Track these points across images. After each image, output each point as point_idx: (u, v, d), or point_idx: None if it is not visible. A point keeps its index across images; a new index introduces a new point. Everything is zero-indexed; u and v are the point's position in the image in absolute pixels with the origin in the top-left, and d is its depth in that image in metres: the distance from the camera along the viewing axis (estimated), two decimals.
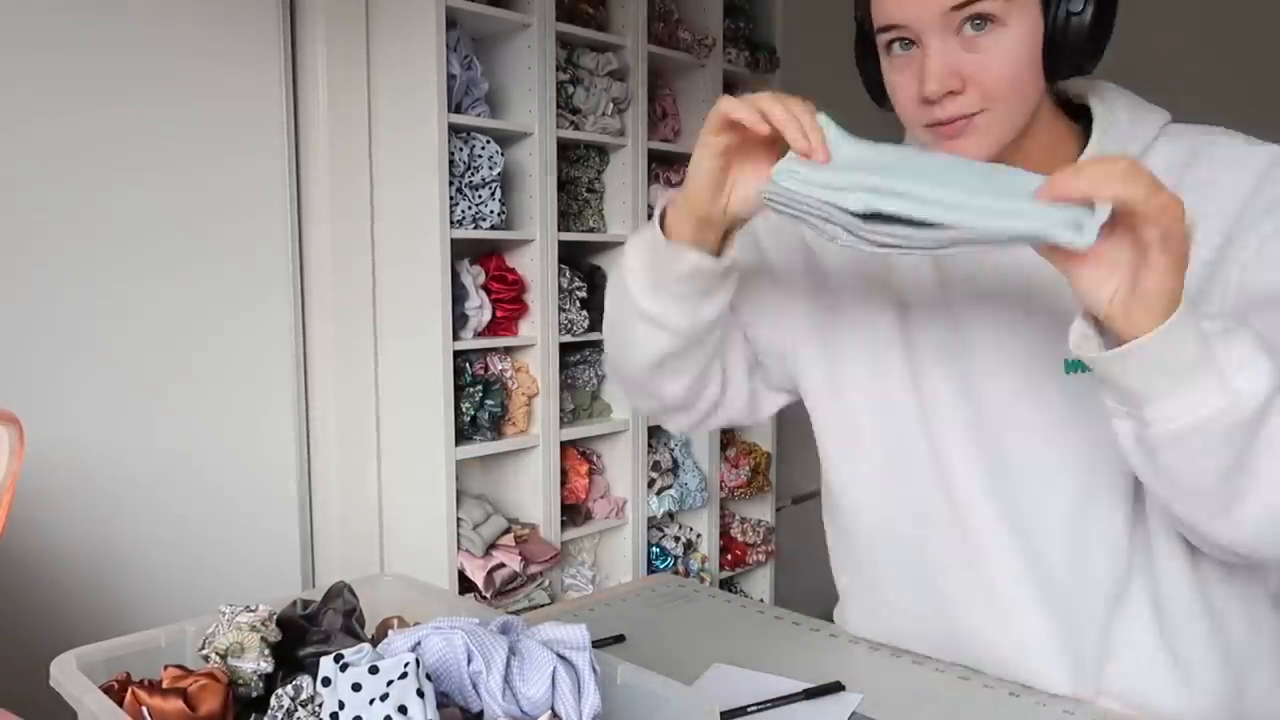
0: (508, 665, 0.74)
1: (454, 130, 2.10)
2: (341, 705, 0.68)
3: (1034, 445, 0.95)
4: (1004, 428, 0.96)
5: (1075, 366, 0.91)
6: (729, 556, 2.91)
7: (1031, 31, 0.84)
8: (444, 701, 0.74)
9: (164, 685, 0.77)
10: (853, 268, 1.05)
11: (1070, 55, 0.85)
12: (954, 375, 0.98)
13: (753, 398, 1.14)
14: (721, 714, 0.96)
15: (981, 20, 0.82)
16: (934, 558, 1.03)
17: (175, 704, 0.75)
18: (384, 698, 0.67)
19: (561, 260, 2.34)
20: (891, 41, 0.87)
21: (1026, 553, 0.97)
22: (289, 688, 0.73)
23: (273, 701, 0.73)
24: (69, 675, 0.80)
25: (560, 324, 2.34)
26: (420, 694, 0.67)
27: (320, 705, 0.69)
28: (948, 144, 0.88)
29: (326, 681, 0.69)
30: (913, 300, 1.01)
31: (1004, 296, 0.95)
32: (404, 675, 0.67)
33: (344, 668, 0.69)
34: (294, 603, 0.88)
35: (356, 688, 0.68)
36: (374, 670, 0.68)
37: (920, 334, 1.01)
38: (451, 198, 2.10)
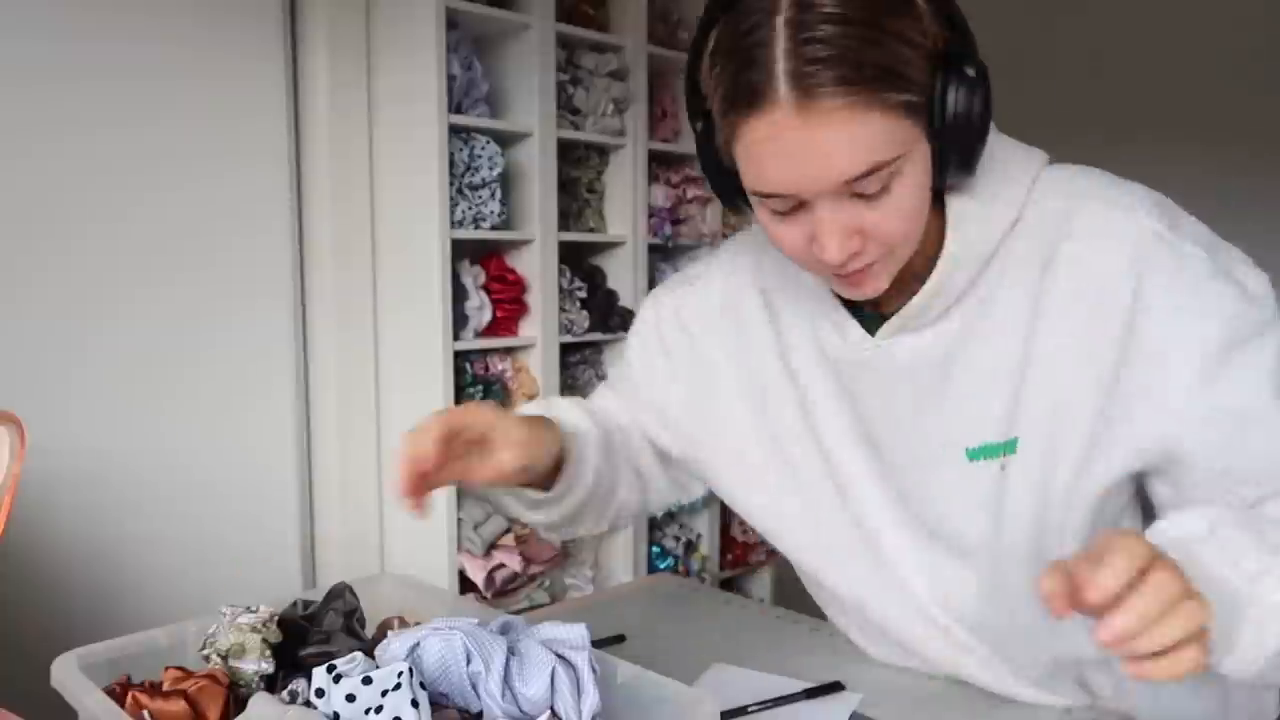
0: (507, 665, 0.74)
1: (454, 131, 2.10)
2: (336, 716, 0.68)
3: (952, 520, 0.92)
4: (922, 504, 0.94)
5: (978, 455, 0.88)
6: (729, 556, 2.91)
7: (923, 163, 0.77)
8: (443, 702, 0.74)
9: (165, 687, 0.77)
10: (748, 374, 1.02)
11: (962, 162, 0.78)
12: (866, 458, 0.96)
13: (675, 485, 1.14)
14: (721, 714, 0.96)
15: (877, 177, 0.75)
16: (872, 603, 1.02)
17: (177, 705, 0.75)
18: (379, 709, 0.67)
19: (561, 260, 2.34)
20: (770, 199, 0.78)
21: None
22: (284, 694, 0.73)
23: None
24: (70, 676, 0.80)
25: (560, 324, 2.34)
26: (415, 704, 0.67)
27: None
28: (845, 290, 0.85)
29: (320, 692, 0.69)
30: (815, 394, 0.98)
31: (897, 387, 0.92)
32: (398, 686, 0.68)
33: (337, 679, 0.69)
34: (294, 603, 0.88)
35: (350, 699, 0.68)
36: (368, 681, 0.68)
37: (825, 423, 0.97)
38: (452, 198, 2.10)
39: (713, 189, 0.86)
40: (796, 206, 0.78)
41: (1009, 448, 0.87)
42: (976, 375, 0.87)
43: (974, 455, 0.88)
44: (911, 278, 0.85)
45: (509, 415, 0.89)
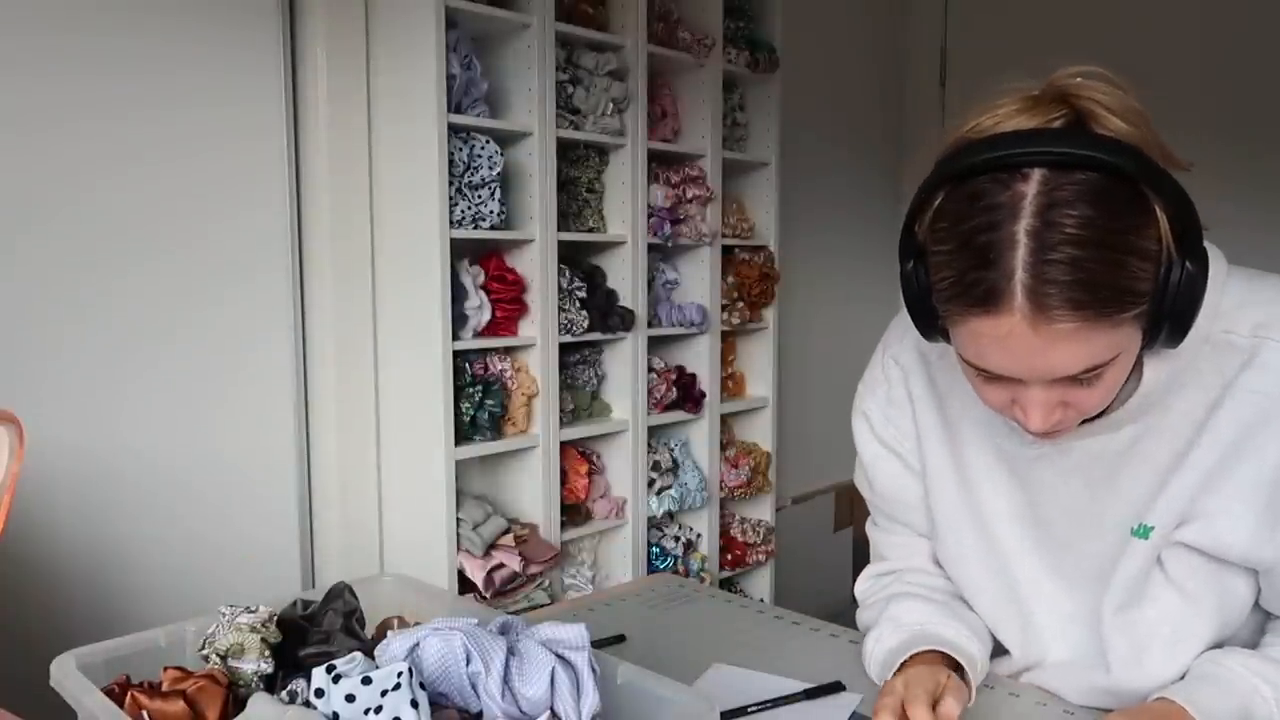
0: (506, 665, 0.74)
1: (454, 130, 2.10)
2: (336, 716, 0.68)
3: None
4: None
5: (1139, 532, 0.95)
6: (729, 556, 2.91)
7: (1136, 344, 0.82)
8: (443, 702, 0.74)
9: (164, 688, 0.77)
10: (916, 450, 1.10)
11: (1174, 335, 0.82)
12: (1023, 535, 1.03)
13: None
14: (721, 714, 0.96)
15: (1094, 372, 0.80)
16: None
17: (176, 705, 0.75)
18: (378, 709, 0.67)
19: (561, 260, 2.34)
20: (982, 371, 0.84)
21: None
22: (283, 694, 0.73)
23: None
24: (69, 675, 0.80)
25: (560, 324, 2.34)
26: (414, 704, 0.67)
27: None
28: (1034, 438, 0.89)
29: (320, 693, 0.69)
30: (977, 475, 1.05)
31: (1070, 478, 0.98)
32: (397, 686, 0.68)
33: (337, 679, 0.69)
34: (294, 603, 0.88)
35: (350, 699, 0.68)
36: (367, 681, 0.68)
37: (988, 503, 1.04)
38: (451, 198, 2.10)
39: (911, 317, 0.88)
40: (1006, 377, 0.82)
41: (1142, 532, 0.94)
42: (1144, 470, 0.94)
43: (1136, 533, 0.95)
44: None
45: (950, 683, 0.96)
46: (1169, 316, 0.79)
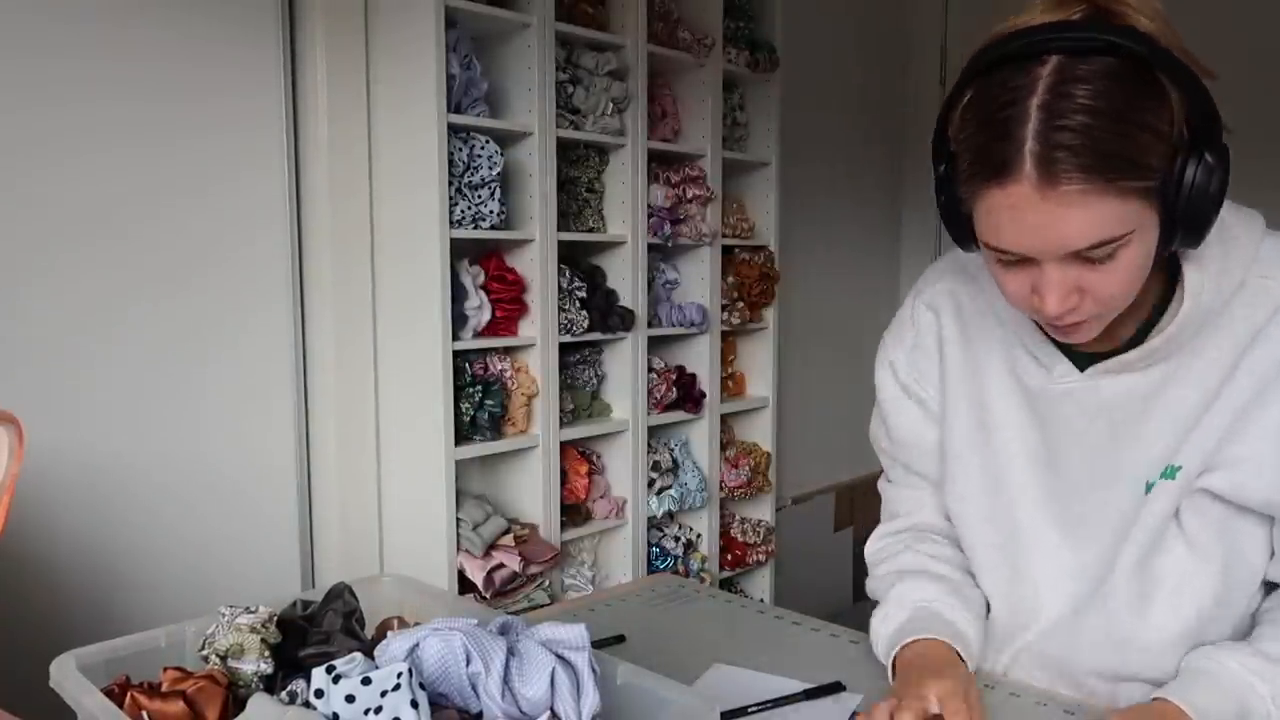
0: (506, 666, 0.74)
1: (453, 130, 2.10)
2: (335, 717, 0.68)
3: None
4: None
5: (1150, 488, 0.96)
6: (729, 556, 2.91)
7: (1153, 233, 0.83)
8: (443, 703, 0.74)
9: (164, 688, 0.77)
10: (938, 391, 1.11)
11: (1190, 237, 0.84)
12: (1039, 483, 1.04)
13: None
14: (721, 714, 0.96)
15: (1106, 249, 0.81)
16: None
17: (176, 706, 0.75)
18: (378, 710, 0.67)
19: (561, 260, 2.34)
20: (1000, 253, 0.86)
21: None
22: (283, 694, 0.73)
23: None
24: (68, 676, 0.80)
25: (560, 324, 2.34)
26: (414, 705, 0.67)
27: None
28: (1057, 335, 0.92)
29: (319, 693, 0.69)
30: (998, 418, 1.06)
31: (1096, 419, 0.99)
32: (397, 687, 0.67)
33: (336, 679, 0.69)
34: (294, 603, 0.88)
35: (350, 699, 0.68)
36: (367, 681, 0.68)
37: (1005, 447, 1.05)
38: (451, 198, 2.10)
39: (946, 227, 0.93)
40: (1024, 260, 0.84)
41: (1170, 473, 0.94)
42: (1171, 415, 0.94)
43: (1148, 488, 0.96)
44: (1119, 321, 0.91)
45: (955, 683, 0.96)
46: (1185, 207, 0.80)
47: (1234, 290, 0.90)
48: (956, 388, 1.07)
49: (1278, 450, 0.90)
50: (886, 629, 1.07)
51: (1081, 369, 0.98)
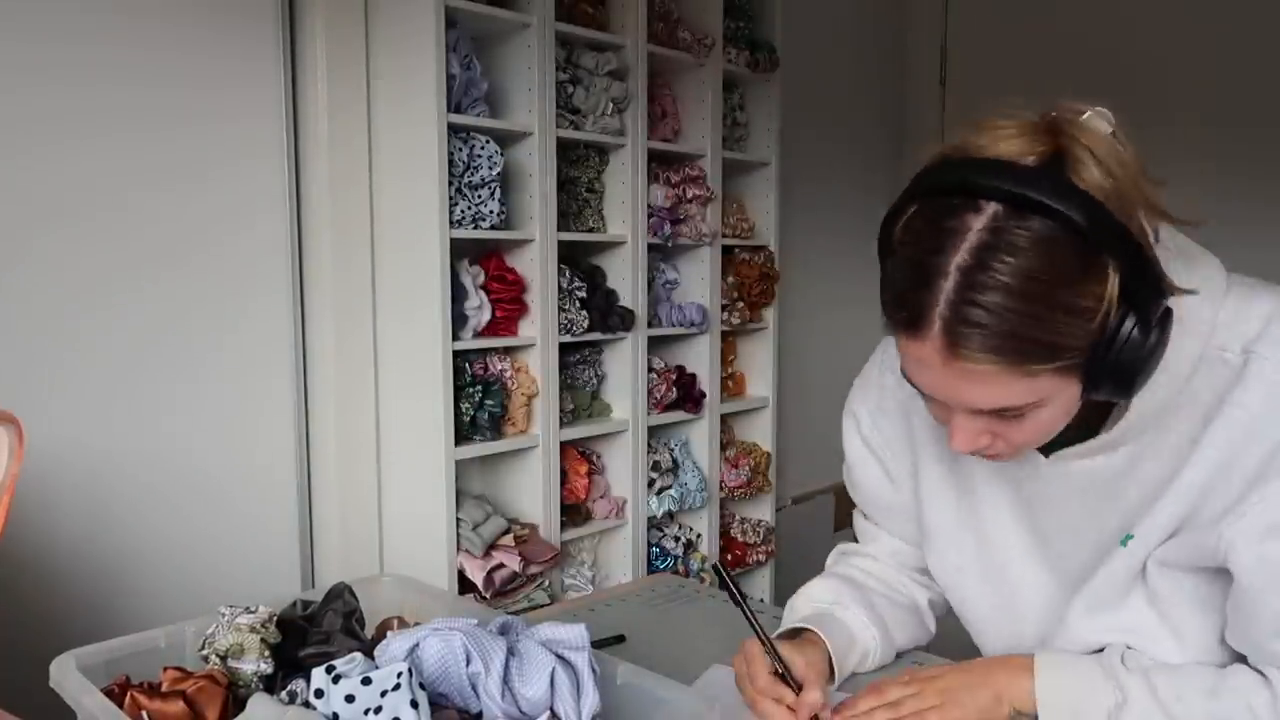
0: (506, 666, 0.74)
1: (453, 130, 2.10)
2: (335, 717, 0.68)
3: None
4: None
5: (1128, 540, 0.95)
6: (729, 556, 2.91)
7: (1070, 392, 0.80)
8: (443, 703, 0.74)
9: (163, 688, 0.77)
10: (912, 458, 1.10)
11: (1120, 389, 0.80)
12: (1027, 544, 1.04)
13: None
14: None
15: (1014, 412, 0.80)
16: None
17: (175, 706, 0.75)
18: (378, 710, 0.67)
19: (561, 260, 2.34)
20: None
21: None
22: (283, 694, 0.73)
23: None
24: (68, 676, 0.80)
25: (560, 324, 2.34)
26: (414, 704, 0.67)
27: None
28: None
29: (319, 693, 0.69)
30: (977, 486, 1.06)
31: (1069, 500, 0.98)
32: (397, 687, 0.68)
33: (336, 679, 0.69)
34: (294, 603, 0.88)
35: (350, 699, 0.68)
36: (367, 681, 0.68)
37: (989, 513, 1.05)
38: (451, 198, 2.10)
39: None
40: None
41: (1124, 541, 0.93)
42: (1141, 488, 0.92)
43: (1120, 542, 0.94)
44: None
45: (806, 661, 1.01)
46: (1110, 372, 0.78)
47: (1195, 364, 0.86)
48: (932, 463, 1.07)
49: (1241, 526, 0.86)
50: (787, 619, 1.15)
51: (1046, 455, 0.95)
